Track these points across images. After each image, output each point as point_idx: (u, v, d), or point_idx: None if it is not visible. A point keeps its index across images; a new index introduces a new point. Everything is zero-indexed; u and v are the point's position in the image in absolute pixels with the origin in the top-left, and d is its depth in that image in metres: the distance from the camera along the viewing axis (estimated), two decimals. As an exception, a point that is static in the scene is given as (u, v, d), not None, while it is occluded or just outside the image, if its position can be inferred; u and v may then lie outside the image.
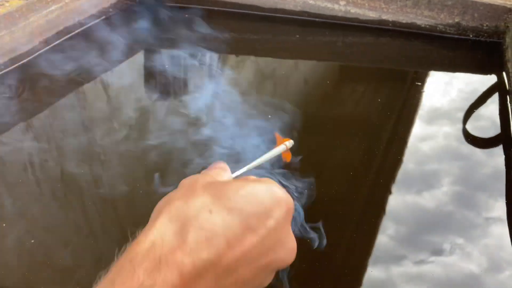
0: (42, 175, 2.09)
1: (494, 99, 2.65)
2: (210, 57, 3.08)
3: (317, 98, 2.69)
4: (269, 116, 2.48)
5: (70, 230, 1.83)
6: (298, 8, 3.31)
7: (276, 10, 3.36)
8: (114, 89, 2.72)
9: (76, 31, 3.10)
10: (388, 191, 2.00)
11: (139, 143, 2.26)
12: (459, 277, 1.64)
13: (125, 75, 2.87)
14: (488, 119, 2.48)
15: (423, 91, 2.70)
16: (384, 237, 1.78)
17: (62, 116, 2.45)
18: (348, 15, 3.23)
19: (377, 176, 2.09)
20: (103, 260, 1.70)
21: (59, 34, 2.95)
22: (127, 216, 1.89)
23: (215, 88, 2.56)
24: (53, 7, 2.76)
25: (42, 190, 2.03)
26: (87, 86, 2.71)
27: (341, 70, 3.04)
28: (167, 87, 2.75)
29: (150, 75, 2.85)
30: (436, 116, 2.50)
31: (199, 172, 0.66)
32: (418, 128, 2.41)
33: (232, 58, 3.11)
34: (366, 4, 3.17)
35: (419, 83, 2.75)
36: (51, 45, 2.92)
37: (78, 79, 2.79)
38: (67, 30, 3.00)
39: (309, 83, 2.88)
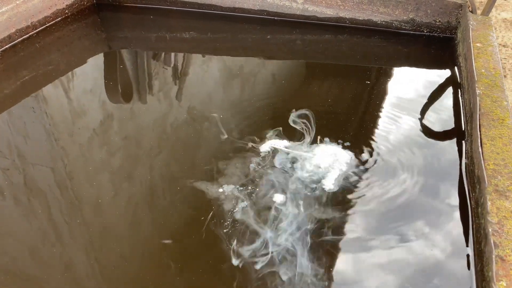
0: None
1: (449, 93, 2.73)
2: (174, 57, 3.06)
3: (284, 94, 2.70)
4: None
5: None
6: (257, 7, 3.32)
7: (235, 9, 3.36)
8: (74, 92, 2.66)
9: (30, 34, 3.02)
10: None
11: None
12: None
13: (86, 78, 2.81)
14: (443, 112, 2.55)
15: (382, 87, 2.75)
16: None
17: (20, 122, 2.38)
18: (306, 13, 3.26)
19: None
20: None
21: (11, 36, 2.86)
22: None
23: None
24: (3, 9, 2.68)
25: None
26: (45, 90, 2.64)
27: (301, 68, 3.06)
28: (128, 87, 2.71)
29: (111, 77, 2.80)
30: (392, 110, 2.55)
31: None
32: (376, 123, 2.45)
33: (194, 56, 3.10)
34: (323, 2, 3.21)
35: (368, 82, 2.80)
36: (3, 48, 2.83)
37: (34, 83, 2.72)
38: (20, 33, 2.92)
39: (276, 79, 2.90)
